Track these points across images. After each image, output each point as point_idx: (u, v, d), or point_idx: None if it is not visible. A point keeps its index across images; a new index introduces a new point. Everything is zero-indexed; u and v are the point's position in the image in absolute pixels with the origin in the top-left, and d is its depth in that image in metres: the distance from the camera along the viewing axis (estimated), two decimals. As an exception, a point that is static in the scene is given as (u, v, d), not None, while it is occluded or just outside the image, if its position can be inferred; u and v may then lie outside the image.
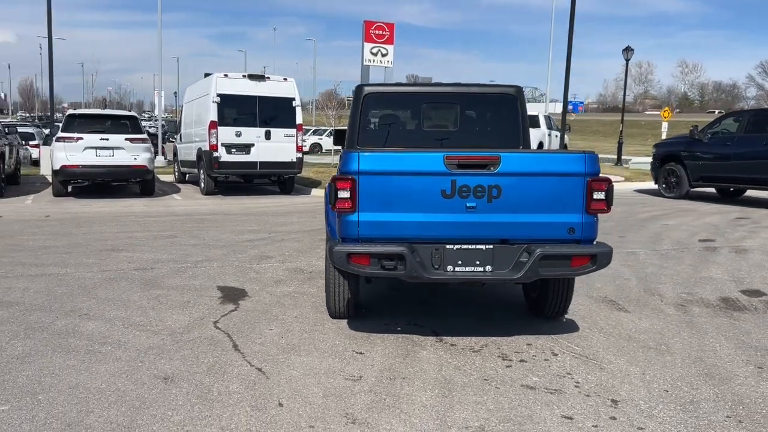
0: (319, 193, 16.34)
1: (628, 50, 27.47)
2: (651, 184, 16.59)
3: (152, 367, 4.25)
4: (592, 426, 3.50)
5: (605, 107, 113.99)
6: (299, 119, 14.69)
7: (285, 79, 14.83)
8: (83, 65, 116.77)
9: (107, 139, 13.29)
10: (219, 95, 13.93)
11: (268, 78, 14.57)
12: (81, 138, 13.16)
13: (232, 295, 6.04)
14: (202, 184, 15.00)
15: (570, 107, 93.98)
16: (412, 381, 4.07)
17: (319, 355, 4.50)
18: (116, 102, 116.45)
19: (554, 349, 4.69)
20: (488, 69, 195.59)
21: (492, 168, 4.24)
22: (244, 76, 14.43)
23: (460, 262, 4.33)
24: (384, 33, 51.29)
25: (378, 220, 4.28)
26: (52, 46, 18.48)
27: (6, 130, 16.10)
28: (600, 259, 4.32)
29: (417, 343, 4.78)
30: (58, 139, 13.39)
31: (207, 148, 14.10)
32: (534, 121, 21.21)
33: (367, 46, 52.16)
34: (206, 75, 15.52)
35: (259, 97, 14.27)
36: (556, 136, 23.73)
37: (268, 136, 14.33)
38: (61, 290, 6.10)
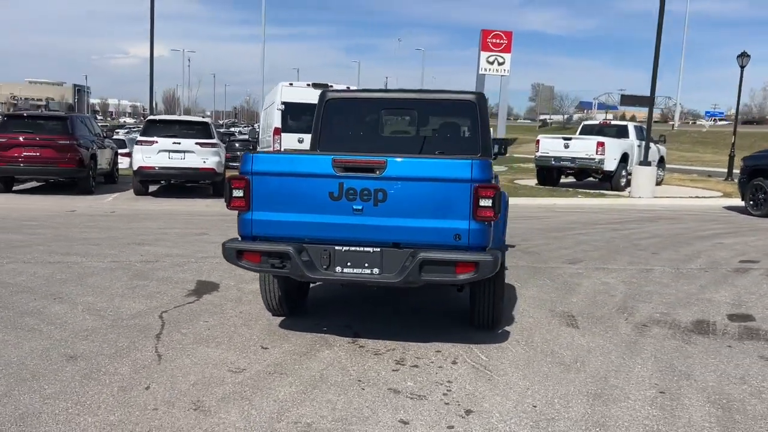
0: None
1: (743, 56, 25.50)
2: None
3: (69, 346, 4.65)
4: (398, 429, 3.47)
5: (747, 118, 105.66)
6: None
7: (348, 88, 15.19)
8: (215, 76, 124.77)
9: (179, 143, 14.28)
10: (284, 103, 14.55)
11: (332, 86, 14.99)
12: (156, 141, 14.24)
13: (203, 289, 6.39)
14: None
15: (706, 116, 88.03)
16: (287, 377, 4.18)
17: (225, 348, 4.72)
18: (245, 110, 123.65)
19: (459, 358, 4.61)
20: (618, 76, 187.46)
21: (378, 172, 4.27)
22: (308, 84, 14.96)
23: (348, 264, 4.39)
24: (501, 41, 50.73)
25: (270, 220, 4.44)
26: (153, 57, 20.09)
27: (105, 134, 17.72)
28: (482, 267, 4.21)
29: (328, 342, 4.88)
30: (137, 143, 14.57)
31: (272, 154, 14.77)
32: (623, 132, 20.27)
33: (484, 55, 51.73)
34: (313, 84, 16.02)
35: (322, 105, 14.71)
36: (656, 146, 22.43)
37: None
38: (60, 276, 6.74)
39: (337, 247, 4.37)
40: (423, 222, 4.27)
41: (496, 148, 7.81)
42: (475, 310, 5.06)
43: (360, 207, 4.30)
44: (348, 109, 6.19)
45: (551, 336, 5.18)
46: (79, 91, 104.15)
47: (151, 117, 16.59)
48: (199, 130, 14.86)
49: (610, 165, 18.56)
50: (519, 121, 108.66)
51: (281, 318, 5.46)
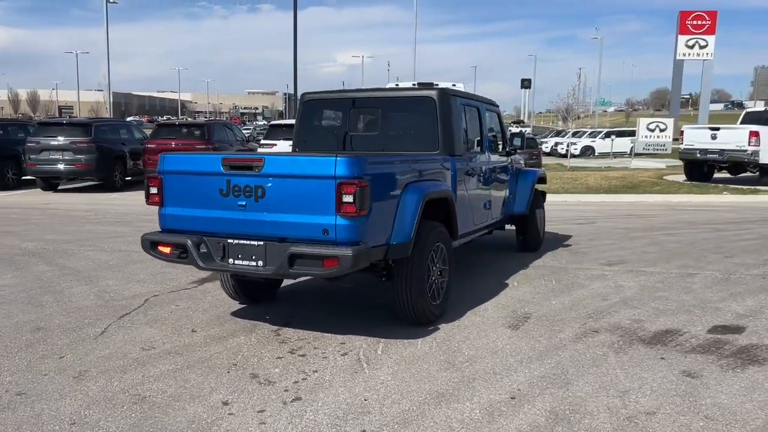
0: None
1: None
2: None
3: (46, 320, 5.49)
4: (229, 413, 3.70)
5: None
6: (465, 123, 14.98)
7: (453, 85, 15.21)
8: (398, 78, 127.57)
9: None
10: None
11: (436, 85, 15.12)
12: (275, 144, 15.45)
13: (212, 277, 7.04)
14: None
15: None
16: (178, 357, 4.62)
17: (162, 329, 5.28)
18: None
19: (354, 351, 4.72)
20: None
21: (257, 170, 4.54)
22: (413, 84, 15.22)
23: (239, 256, 4.71)
24: (704, 22, 46.75)
25: (178, 214, 4.91)
26: (296, 56, 21.62)
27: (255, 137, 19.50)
28: (342, 262, 4.29)
29: (252, 329, 5.23)
30: (261, 145, 15.92)
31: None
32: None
33: (682, 39, 48.03)
34: (419, 84, 16.63)
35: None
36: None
37: None
38: (113, 263, 7.81)
39: (229, 240, 4.72)
40: (296, 217, 4.47)
41: (518, 142, 7.66)
42: (396, 303, 5.12)
43: (244, 203, 4.61)
44: (322, 109, 6.47)
45: (477, 337, 5.05)
46: (288, 98, 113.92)
47: (274, 122, 17.99)
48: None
49: (767, 157, 16.44)
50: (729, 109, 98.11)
51: (243, 306, 5.92)
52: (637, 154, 35.55)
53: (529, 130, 65.02)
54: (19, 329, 5.26)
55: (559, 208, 14.07)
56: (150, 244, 5.01)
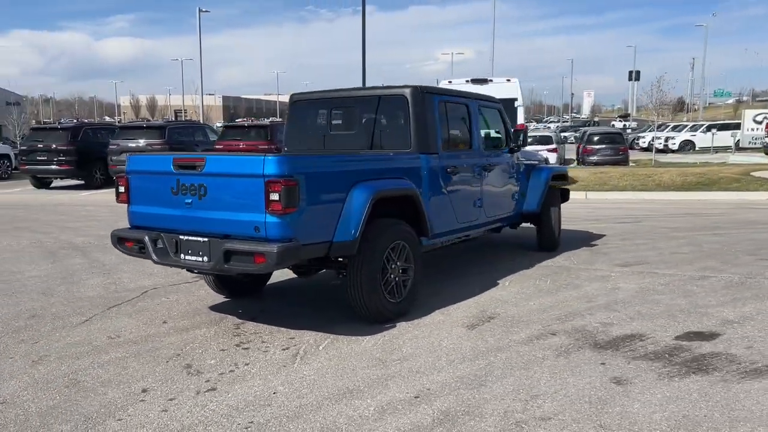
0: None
1: None
2: None
3: (47, 308, 5.97)
4: (141, 399, 3.92)
5: None
6: (521, 119, 14.64)
7: (508, 80, 14.93)
8: (491, 73, 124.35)
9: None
10: (442, 100, 14.92)
11: (491, 80, 14.90)
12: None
13: (216, 273, 7.37)
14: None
15: None
16: (133, 346, 4.91)
17: (138, 320, 5.60)
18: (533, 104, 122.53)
19: (297, 346, 4.83)
20: None
21: (199, 169, 4.74)
22: (467, 81, 15.06)
23: (189, 252, 4.92)
24: None
25: (140, 212, 5.21)
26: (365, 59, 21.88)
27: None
28: (268, 258, 4.39)
29: (217, 322, 5.46)
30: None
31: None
32: None
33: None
34: (472, 80, 16.49)
35: (481, 100, 14.76)
36: None
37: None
38: (137, 257, 8.33)
39: (181, 236, 4.95)
40: (233, 215, 4.63)
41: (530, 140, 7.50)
42: (349, 299, 5.19)
43: (190, 201, 4.83)
44: (307, 110, 6.60)
45: (427, 336, 5.02)
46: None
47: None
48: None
49: None
50: None
51: (226, 300, 6.17)
52: (742, 149, 33.30)
53: (633, 124, 62.86)
54: (18, 316, 5.75)
55: (614, 206, 13.51)
56: (117, 240, 5.34)
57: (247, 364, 4.49)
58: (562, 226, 10.06)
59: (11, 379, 4.29)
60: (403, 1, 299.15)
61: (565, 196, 8.87)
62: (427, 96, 5.97)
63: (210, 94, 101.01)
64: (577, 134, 39.59)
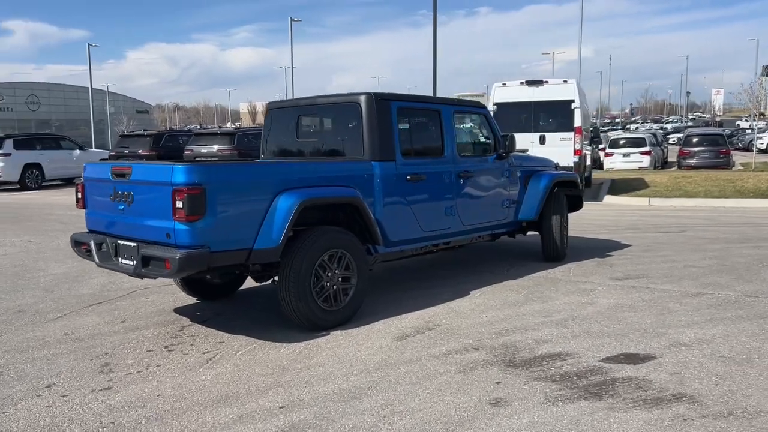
0: (613, 200, 15.15)
1: None
2: None
3: (35, 305, 6.45)
4: (38, 394, 4.16)
5: None
6: (578, 122, 14.02)
7: (564, 81, 14.35)
8: (601, 73, 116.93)
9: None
10: (495, 104, 14.58)
11: (546, 82, 14.38)
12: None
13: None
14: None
15: None
16: (73, 343, 5.21)
17: (101, 318, 5.93)
18: (643, 107, 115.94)
19: (218, 351, 4.94)
20: None
21: (127, 177, 4.96)
22: (521, 83, 14.62)
23: (124, 255, 5.15)
24: None
25: (92, 217, 5.52)
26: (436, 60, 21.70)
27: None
28: (172, 264, 4.51)
29: (165, 324, 5.68)
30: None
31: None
32: None
33: None
34: (527, 82, 16.06)
35: (535, 102, 14.29)
36: None
37: (542, 140, 14.20)
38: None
39: (119, 241, 5.21)
40: (152, 221, 4.81)
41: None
42: (280, 305, 5.25)
43: (122, 207, 5.07)
44: (280, 117, 6.69)
45: (351, 345, 4.97)
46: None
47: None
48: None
49: None
50: None
51: (195, 302, 6.41)
52: None
53: (762, 124, 58.76)
54: (7, 311, 6.26)
55: (671, 214, 12.68)
56: (74, 242, 5.69)
57: (158, 366, 4.66)
58: (592, 235, 9.62)
59: (-50, 369, 4.70)
60: (518, 2, 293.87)
61: (575, 204, 8.45)
62: (382, 103, 5.91)
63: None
64: (680, 135, 37.36)
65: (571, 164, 14.14)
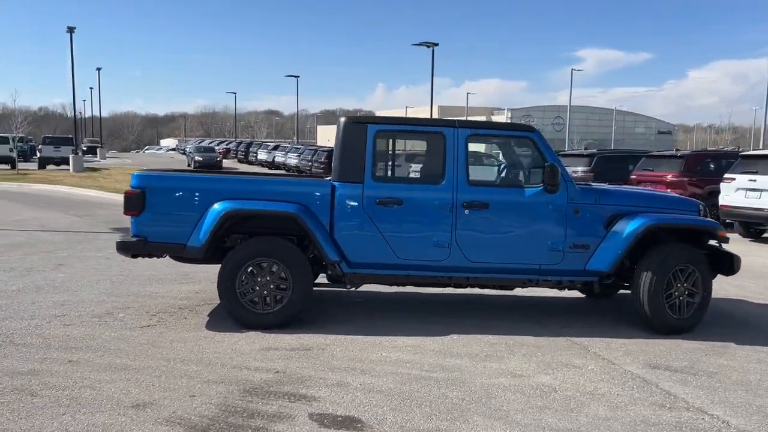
0: None
1: None
2: None
3: (38, 298, 6.59)
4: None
5: None
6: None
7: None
8: None
9: (755, 180, 12.53)
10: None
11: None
12: (734, 179, 13.00)
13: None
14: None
15: None
16: (39, 338, 5.27)
17: (59, 313, 6.07)
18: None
19: (130, 323, 5.68)
20: None
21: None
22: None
23: None
24: None
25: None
26: None
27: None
28: (117, 246, 5.81)
29: (159, 324, 5.84)
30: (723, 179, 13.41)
31: None
32: None
33: None
34: None
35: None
36: None
37: None
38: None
39: None
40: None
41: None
42: None
43: None
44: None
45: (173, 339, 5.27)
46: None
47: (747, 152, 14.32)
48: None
49: None
50: None
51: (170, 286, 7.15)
52: None
53: None
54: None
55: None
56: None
57: (68, 325, 5.53)
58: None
59: None
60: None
61: (722, 264, 5.99)
62: (357, 126, 5.89)
63: None
64: None
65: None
